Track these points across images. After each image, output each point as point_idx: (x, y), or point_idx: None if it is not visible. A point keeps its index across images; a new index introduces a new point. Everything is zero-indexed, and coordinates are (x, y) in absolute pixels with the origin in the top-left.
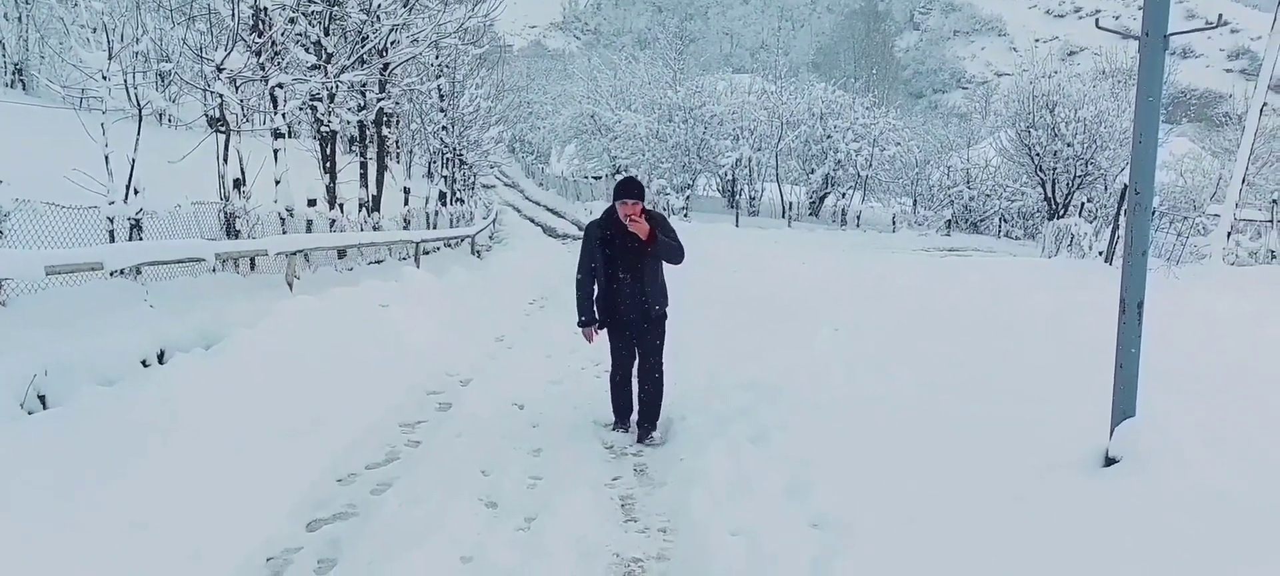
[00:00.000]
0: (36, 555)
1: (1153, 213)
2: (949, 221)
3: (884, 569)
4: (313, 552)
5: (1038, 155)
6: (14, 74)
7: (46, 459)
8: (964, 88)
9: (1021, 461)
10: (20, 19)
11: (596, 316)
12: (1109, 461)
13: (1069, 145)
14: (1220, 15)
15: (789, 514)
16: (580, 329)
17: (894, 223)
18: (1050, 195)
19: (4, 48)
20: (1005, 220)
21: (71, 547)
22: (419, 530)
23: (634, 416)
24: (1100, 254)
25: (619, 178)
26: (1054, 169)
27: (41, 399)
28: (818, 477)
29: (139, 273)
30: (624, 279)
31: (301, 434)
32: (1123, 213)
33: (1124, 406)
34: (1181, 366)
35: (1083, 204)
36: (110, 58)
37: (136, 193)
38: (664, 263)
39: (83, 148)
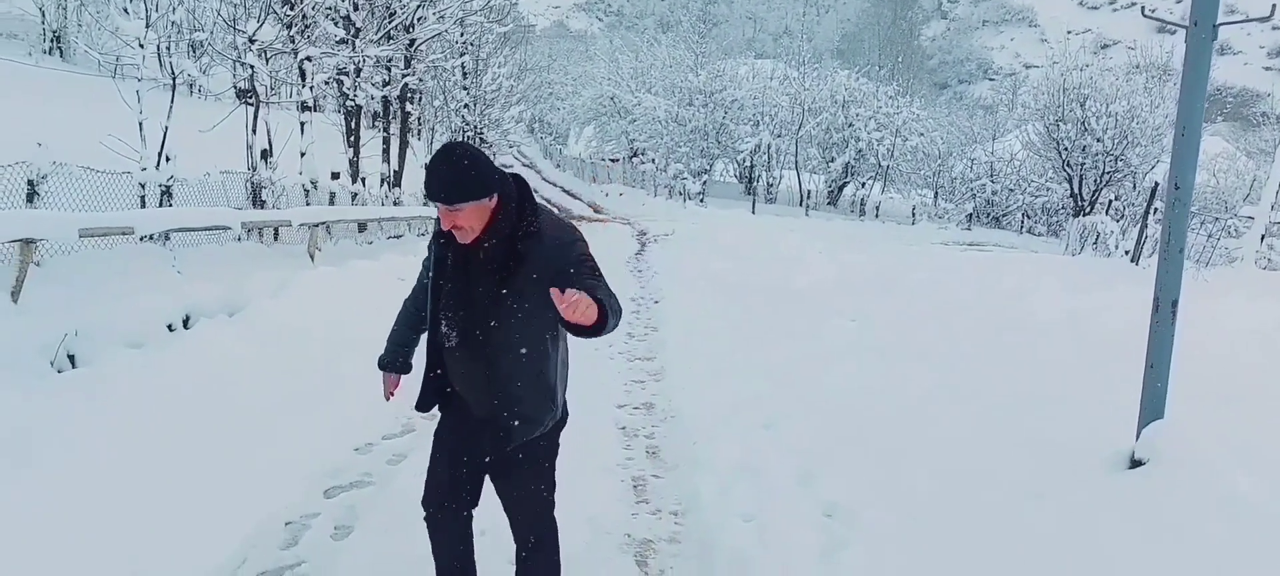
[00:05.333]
0: (61, 509)
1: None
2: (970, 215)
3: (896, 560)
4: (329, 519)
5: (1066, 150)
6: (52, 42)
7: (73, 418)
8: (990, 79)
9: (1040, 459)
10: None
11: (402, 362)
12: (1135, 463)
13: (1099, 141)
14: (1275, 5)
15: (800, 501)
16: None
17: (913, 215)
18: (1077, 191)
19: (43, 16)
20: (1028, 216)
21: (94, 504)
22: None
23: None
24: (1126, 253)
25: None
26: (1082, 164)
27: (71, 358)
28: (829, 467)
29: (168, 238)
30: (451, 343)
31: (320, 402)
32: (1152, 212)
33: (1152, 408)
34: (1209, 371)
35: (1110, 201)
36: (147, 26)
37: (168, 160)
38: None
39: (117, 114)
